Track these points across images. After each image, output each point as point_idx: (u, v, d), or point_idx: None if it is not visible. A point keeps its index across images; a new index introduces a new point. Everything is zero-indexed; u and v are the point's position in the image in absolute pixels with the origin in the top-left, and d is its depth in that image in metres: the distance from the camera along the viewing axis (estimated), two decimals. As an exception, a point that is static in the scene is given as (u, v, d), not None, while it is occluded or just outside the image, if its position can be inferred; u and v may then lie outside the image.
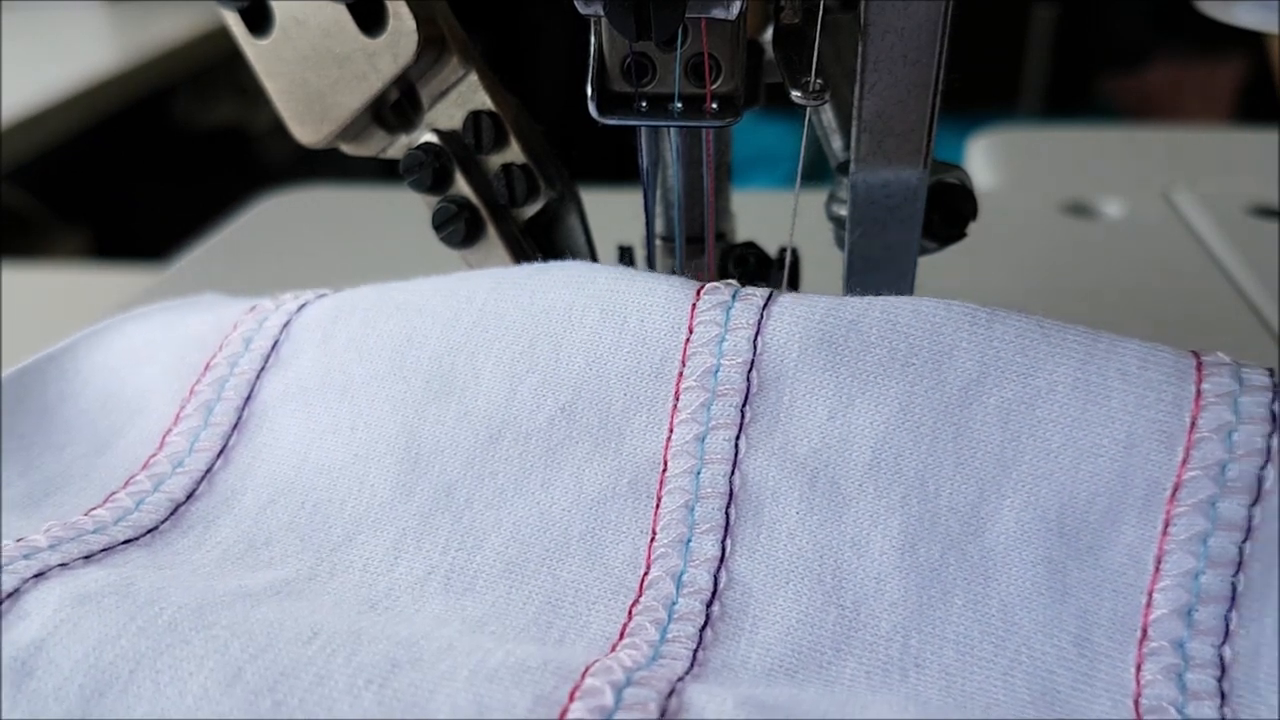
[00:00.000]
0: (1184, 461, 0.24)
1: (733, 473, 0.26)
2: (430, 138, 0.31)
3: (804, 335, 0.26)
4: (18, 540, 0.25)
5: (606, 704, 0.21)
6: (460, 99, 0.31)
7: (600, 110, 0.27)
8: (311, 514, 0.28)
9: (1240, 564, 0.23)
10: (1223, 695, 0.23)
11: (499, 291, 0.29)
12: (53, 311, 0.54)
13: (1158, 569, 0.24)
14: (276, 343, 0.31)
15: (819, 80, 0.26)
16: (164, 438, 0.30)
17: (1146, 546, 0.24)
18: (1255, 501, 0.23)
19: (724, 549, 0.25)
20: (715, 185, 0.33)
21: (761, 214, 0.41)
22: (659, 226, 0.36)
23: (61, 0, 1.51)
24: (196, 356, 0.31)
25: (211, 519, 0.28)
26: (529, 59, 1.48)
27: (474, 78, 0.31)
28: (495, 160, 0.31)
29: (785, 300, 0.27)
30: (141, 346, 0.32)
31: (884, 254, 0.30)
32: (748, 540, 0.25)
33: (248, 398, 0.30)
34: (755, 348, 0.26)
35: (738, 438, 0.26)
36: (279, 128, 0.32)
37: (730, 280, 0.28)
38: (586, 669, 0.22)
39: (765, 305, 0.27)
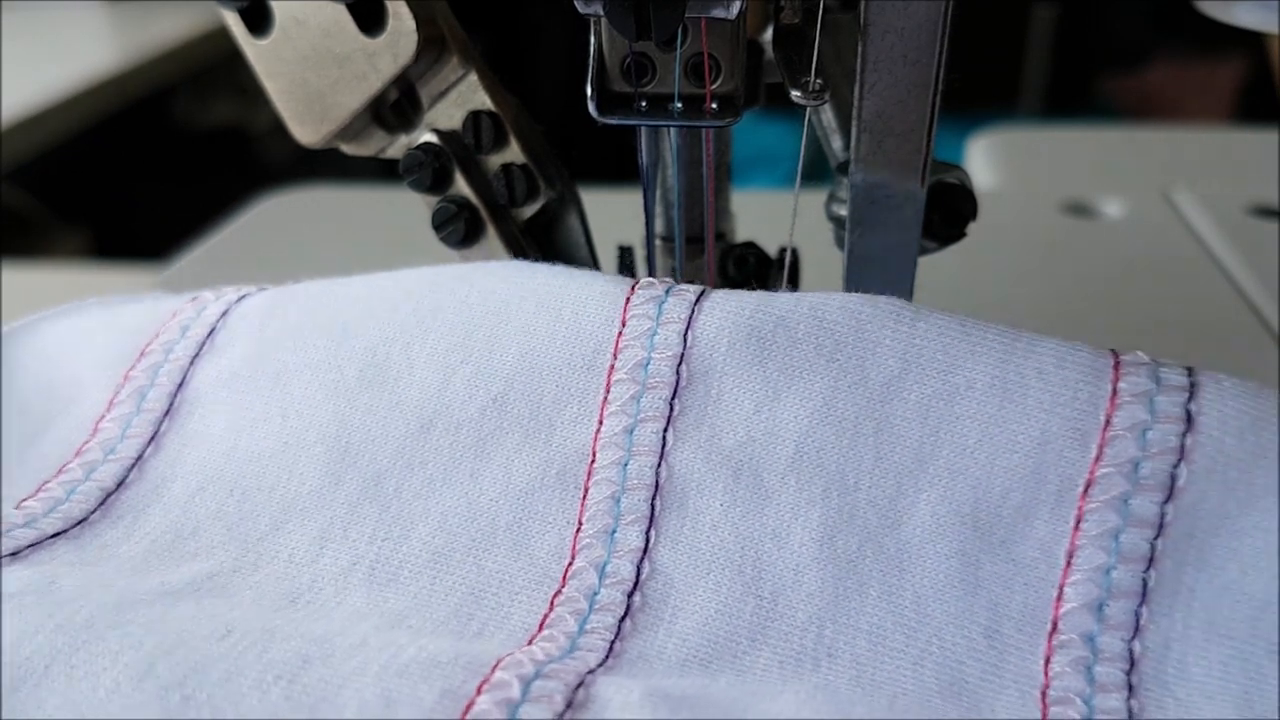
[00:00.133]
0: (1097, 458, 0.24)
1: (659, 465, 0.26)
2: (430, 138, 0.31)
3: (733, 330, 0.26)
4: None
5: (513, 697, 0.21)
6: (460, 99, 0.31)
7: (600, 110, 0.27)
8: (240, 502, 0.28)
9: (1152, 560, 0.24)
10: (1131, 688, 0.23)
11: (437, 286, 0.30)
12: (53, 311, 0.54)
13: (1069, 563, 0.24)
14: (213, 331, 0.31)
15: (819, 80, 0.26)
16: (97, 424, 0.30)
17: (1059, 541, 0.24)
18: (1168, 499, 0.24)
19: (648, 540, 0.26)
20: (715, 185, 0.33)
21: (761, 214, 0.41)
22: (659, 226, 0.36)
23: (61, 0, 1.51)
24: (133, 345, 0.31)
25: (141, 508, 0.28)
26: (529, 59, 1.48)
27: (474, 78, 0.31)
28: (495, 160, 0.31)
29: (717, 296, 0.27)
30: (79, 336, 0.32)
31: (884, 254, 0.30)
32: (672, 531, 0.26)
33: (180, 384, 0.30)
34: (685, 342, 0.27)
35: (665, 430, 0.26)
36: (279, 128, 0.32)
37: (667, 278, 0.28)
38: (497, 663, 0.22)
39: (697, 301, 0.27)
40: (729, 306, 0.27)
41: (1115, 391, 0.25)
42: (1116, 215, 0.60)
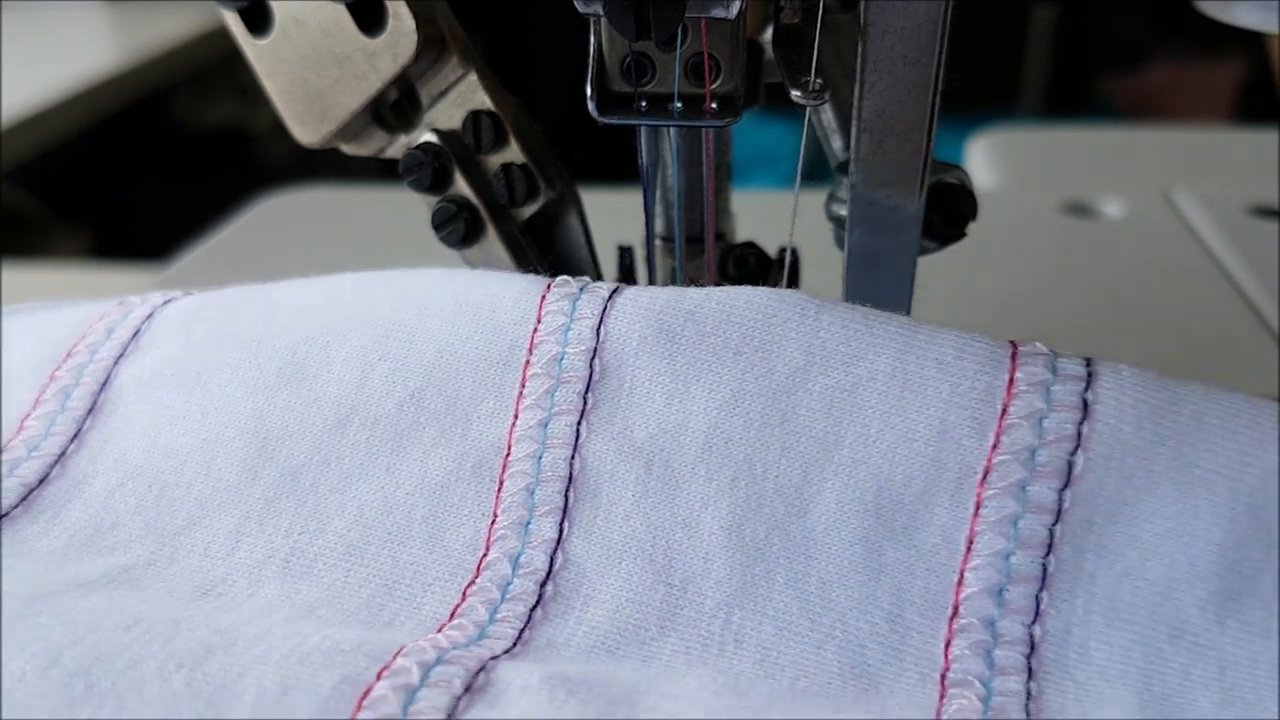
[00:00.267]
0: (994, 446, 0.25)
1: (573, 457, 0.27)
2: (430, 137, 0.31)
3: (644, 324, 0.27)
4: None
5: (411, 682, 0.21)
6: (460, 99, 0.31)
7: (600, 110, 0.27)
8: (158, 498, 0.28)
9: (1051, 546, 0.24)
10: (1030, 671, 0.23)
11: (359, 289, 0.30)
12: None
13: (969, 549, 0.24)
14: (138, 332, 0.31)
15: (819, 80, 0.26)
16: (22, 422, 0.30)
17: (959, 528, 0.24)
18: (1065, 486, 0.24)
19: (562, 531, 0.26)
20: (715, 185, 0.33)
21: (761, 214, 0.40)
22: (659, 226, 0.36)
23: (61, 0, 1.51)
24: (61, 346, 0.32)
25: (62, 503, 0.28)
26: (529, 59, 1.48)
27: (474, 78, 0.31)
28: (495, 160, 0.31)
29: (630, 292, 0.28)
30: (11, 337, 0.33)
31: (884, 254, 0.30)
32: (585, 522, 0.26)
33: (104, 383, 0.30)
34: (598, 336, 0.27)
35: (579, 423, 0.27)
36: (279, 128, 0.32)
37: (584, 277, 0.29)
38: (399, 650, 0.22)
39: (610, 297, 0.28)
40: (641, 302, 0.27)
41: (1012, 381, 0.25)
42: (1116, 215, 0.60)
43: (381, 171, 0.38)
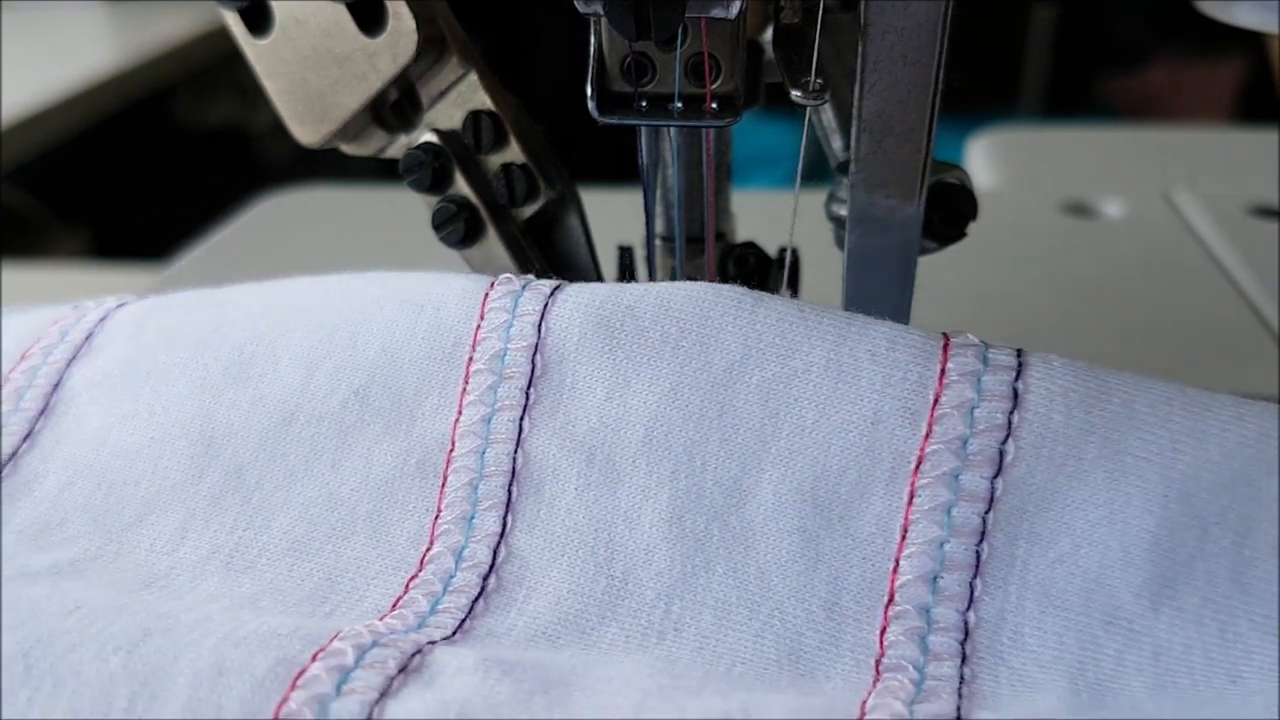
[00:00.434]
0: (927, 436, 0.25)
1: (516, 451, 0.27)
2: (430, 138, 0.31)
3: (584, 320, 0.27)
4: None
5: (346, 664, 0.22)
6: (460, 99, 0.31)
7: (600, 110, 0.27)
8: (106, 495, 0.28)
9: (984, 533, 0.24)
10: (964, 657, 0.23)
11: (307, 289, 0.31)
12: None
13: (904, 537, 0.25)
14: (90, 335, 0.32)
15: (819, 80, 0.26)
16: None
17: (893, 516, 0.25)
18: (997, 474, 0.24)
19: (505, 524, 0.27)
20: (715, 185, 0.33)
21: (761, 214, 0.40)
22: (659, 226, 0.36)
23: (61, 0, 1.51)
24: (16, 349, 0.32)
25: (12, 502, 0.29)
26: (529, 59, 1.48)
27: (474, 78, 0.31)
28: (495, 160, 0.31)
29: (571, 289, 0.28)
30: None
31: (884, 254, 0.30)
32: (528, 515, 0.27)
33: (56, 385, 0.31)
34: (540, 332, 0.28)
35: (522, 418, 0.27)
36: (279, 128, 0.32)
37: (527, 275, 0.29)
38: (336, 634, 0.23)
39: (552, 294, 0.28)
40: (581, 298, 0.28)
41: (944, 371, 0.25)
42: (1116, 215, 0.60)
43: (381, 171, 0.38)
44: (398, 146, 0.32)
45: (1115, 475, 0.24)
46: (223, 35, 0.32)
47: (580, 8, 0.24)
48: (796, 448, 0.26)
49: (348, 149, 0.32)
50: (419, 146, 0.31)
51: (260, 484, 0.28)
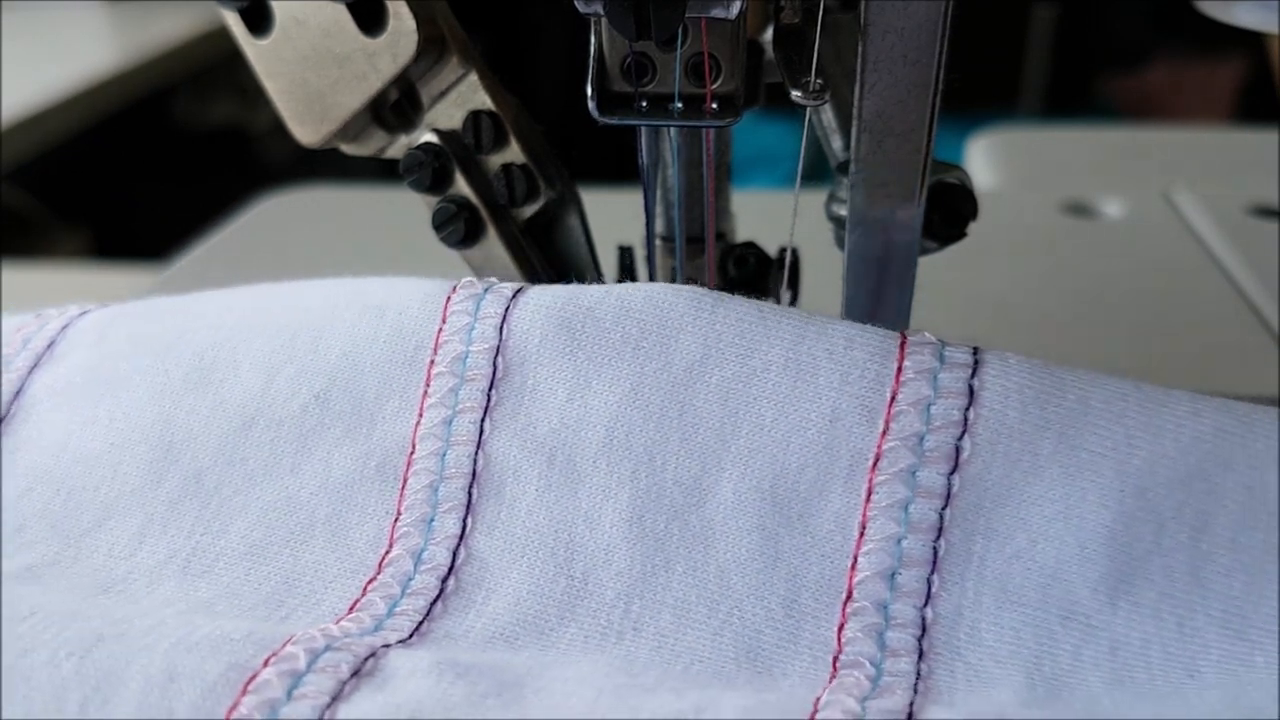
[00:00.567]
0: (884, 433, 0.25)
1: (477, 453, 0.27)
2: (430, 138, 0.31)
3: (544, 322, 0.28)
4: None
5: (298, 668, 0.22)
6: (460, 99, 0.31)
7: (600, 110, 0.27)
8: (65, 501, 0.28)
9: (941, 530, 0.24)
10: (921, 653, 0.24)
11: (270, 296, 0.31)
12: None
13: (862, 534, 0.25)
14: (52, 343, 0.32)
15: (819, 80, 0.26)
16: None
17: (852, 513, 0.25)
18: (954, 470, 0.24)
19: (465, 526, 0.27)
20: (715, 185, 0.33)
21: (761, 214, 0.40)
22: (659, 226, 0.36)
23: (61, 0, 1.51)
24: None
25: None
26: (529, 59, 1.48)
27: (474, 78, 0.31)
28: (495, 160, 0.31)
29: (532, 291, 0.28)
30: None
31: (884, 254, 0.30)
32: (488, 517, 0.27)
33: (18, 393, 0.31)
34: (501, 335, 0.28)
35: (483, 420, 0.27)
36: (279, 128, 0.32)
37: (491, 278, 0.29)
38: (290, 639, 0.23)
39: (514, 296, 0.28)
40: (542, 300, 0.28)
41: (900, 369, 0.25)
42: (1116, 215, 0.60)
43: (381, 171, 0.38)
44: (398, 146, 0.32)
45: (1071, 470, 0.24)
46: (223, 35, 0.32)
47: (580, 8, 0.24)
48: (756, 446, 0.26)
49: (348, 149, 0.32)
50: (419, 146, 0.31)
51: (219, 488, 0.28)
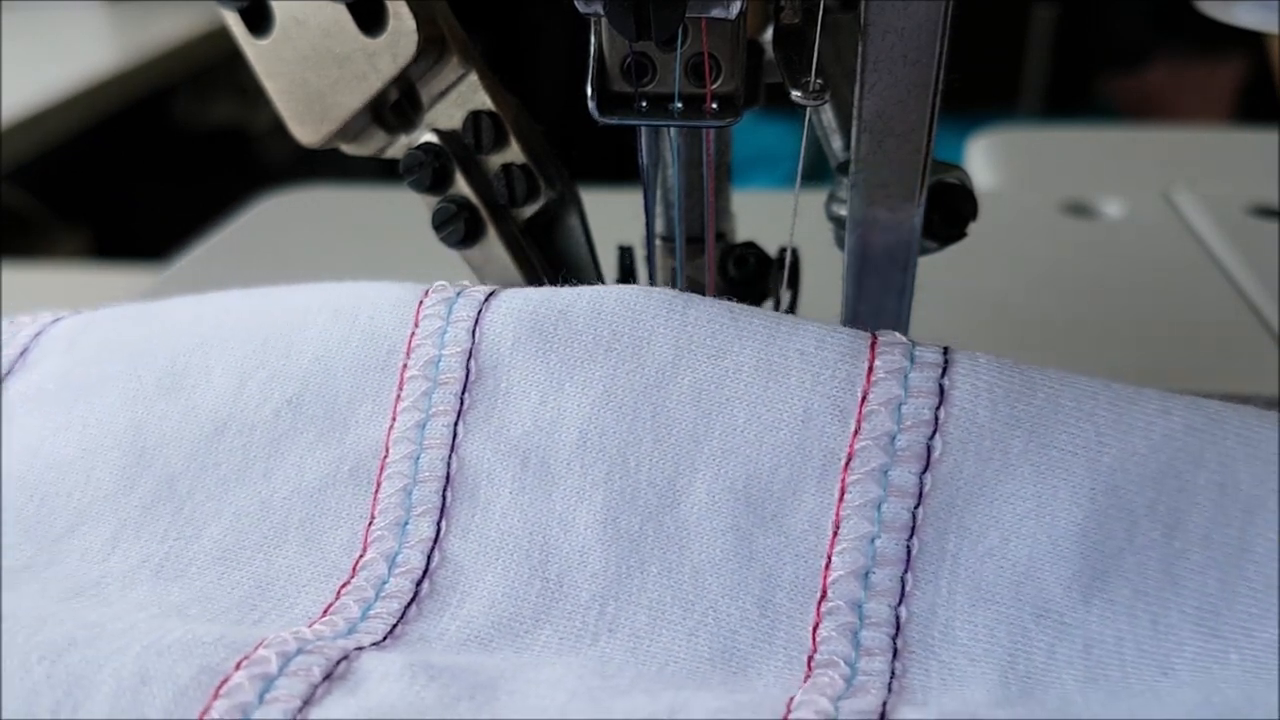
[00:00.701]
0: (856, 433, 0.25)
1: (450, 457, 0.27)
2: (430, 138, 0.31)
3: (517, 325, 0.28)
4: None
5: (270, 671, 0.22)
6: (460, 99, 0.31)
7: (600, 110, 0.27)
8: (38, 507, 0.29)
9: (914, 528, 0.24)
10: (895, 652, 0.24)
11: (242, 301, 0.31)
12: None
13: (836, 533, 0.25)
14: (25, 349, 0.32)
15: (819, 80, 0.26)
16: None
17: (825, 513, 0.25)
18: (925, 469, 0.25)
19: (439, 530, 0.27)
20: (715, 185, 0.33)
21: (761, 214, 0.40)
22: (659, 226, 0.36)
23: (61, 0, 1.51)
24: None
25: None
26: (529, 59, 1.48)
27: (474, 78, 0.31)
28: (495, 160, 0.31)
29: (504, 294, 0.28)
30: None
31: (884, 254, 0.30)
32: (462, 520, 0.27)
33: None
34: (474, 338, 0.28)
35: (456, 423, 0.27)
36: (279, 128, 0.32)
37: (463, 282, 0.29)
38: (261, 642, 0.23)
39: (486, 300, 0.28)
40: (514, 303, 0.28)
41: (871, 369, 0.26)
42: (1116, 215, 0.60)
43: (381, 171, 0.38)
44: (398, 146, 0.32)
45: (1042, 469, 0.24)
46: (223, 35, 0.32)
47: (580, 8, 0.24)
48: (729, 447, 0.26)
49: (348, 149, 0.32)
50: (419, 146, 0.31)
51: (192, 493, 0.28)
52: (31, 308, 0.34)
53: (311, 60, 0.30)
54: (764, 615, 0.25)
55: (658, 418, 0.26)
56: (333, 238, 0.61)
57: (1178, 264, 0.53)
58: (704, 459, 0.26)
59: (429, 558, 0.26)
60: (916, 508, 0.24)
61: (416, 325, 0.28)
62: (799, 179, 0.31)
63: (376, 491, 0.27)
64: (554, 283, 0.29)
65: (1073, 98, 1.39)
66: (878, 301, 0.31)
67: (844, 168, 0.30)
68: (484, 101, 0.31)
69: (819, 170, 0.36)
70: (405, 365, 0.28)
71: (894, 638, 0.24)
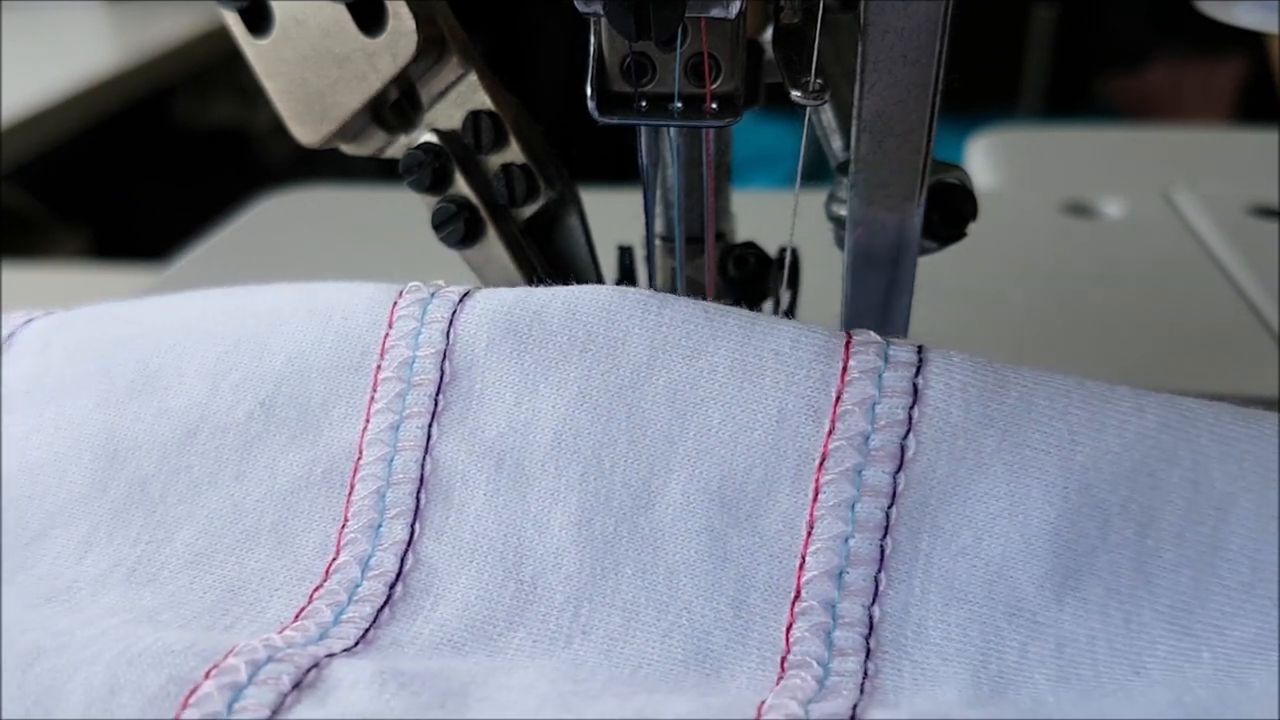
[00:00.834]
0: (830, 433, 0.25)
1: (424, 458, 0.27)
2: (430, 138, 0.31)
3: (491, 326, 0.27)
4: None
5: (239, 680, 0.22)
6: (460, 99, 0.31)
7: (600, 110, 0.27)
8: (10, 510, 0.28)
9: (887, 528, 0.24)
10: (869, 652, 0.24)
11: (215, 302, 0.31)
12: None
13: (810, 534, 0.25)
14: None
15: (819, 80, 0.26)
16: None
17: (799, 513, 0.25)
18: (899, 469, 0.25)
19: (413, 532, 0.27)
20: (715, 185, 0.33)
21: (761, 214, 0.40)
22: (659, 226, 0.36)
23: (61, 0, 1.51)
24: None
25: None
26: (529, 59, 1.48)
27: (474, 78, 0.31)
28: (495, 160, 0.31)
29: (479, 295, 0.28)
30: None
31: (884, 254, 0.30)
32: (436, 523, 0.27)
33: None
34: (448, 339, 0.28)
35: (430, 425, 0.27)
36: (279, 128, 0.32)
37: (437, 281, 0.29)
38: (231, 650, 0.23)
39: (460, 300, 0.28)
40: (489, 304, 0.28)
41: (846, 369, 0.26)
42: (1116, 215, 0.60)
43: (381, 171, 0.38)
44: (398, 146, 0.32)
45: (1015, 467, 0.24)
46: (223, 35, 0.31)
47: (580, 8, 0.24)
48: (703, 448, 0.26)
49: (348, 149, 0.32)
50: (419, 146, 0.31)
51: (164, 497, 0.28)
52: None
53: (311, 60, 0.30)
54: (738, 616, 0.25)
55: (632, 418, 0.26)
56: (333, 238, 0.61)
57: (1178, 264, 0.53)
58: (679, 460, 0.26)
59: (402, 560, 0.26)
60: (890, 507, 0.25)
61: (391, 326, 0.28)
62: (799, 179, 0.31)
63: (350, 494, 0.27)
64: (555, 283, 0.29)
65: (1073, 98, 1.39)
66: (878, 302, 0.31)
67: (844, 168, 0.30)
68: (484, 101, 0.31)
69: (819, 170, 0.36)
70: (379, 367, 0.28)
71: (867, 637, 0.24)
